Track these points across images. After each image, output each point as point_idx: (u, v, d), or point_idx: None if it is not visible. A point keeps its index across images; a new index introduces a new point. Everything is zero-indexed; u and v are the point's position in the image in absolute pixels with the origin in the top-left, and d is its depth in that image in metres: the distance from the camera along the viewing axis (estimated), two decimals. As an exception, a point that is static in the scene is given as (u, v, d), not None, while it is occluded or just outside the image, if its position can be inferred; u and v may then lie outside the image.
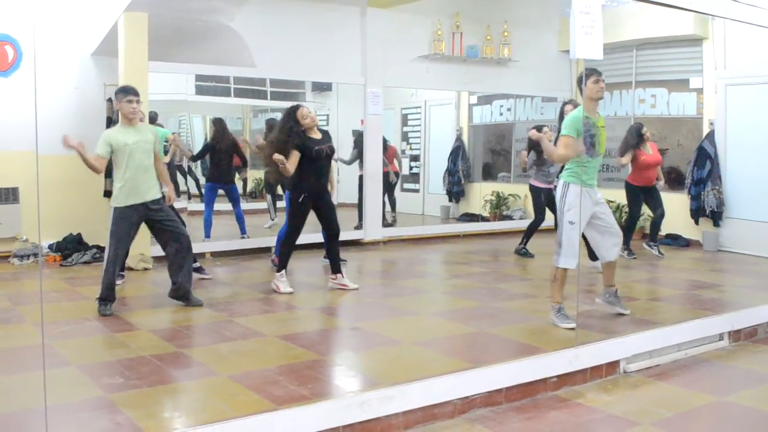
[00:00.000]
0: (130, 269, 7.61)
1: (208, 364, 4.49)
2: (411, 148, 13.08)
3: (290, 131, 6.49)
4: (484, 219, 12.06)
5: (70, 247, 8.37)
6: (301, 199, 6.57)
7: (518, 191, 12.07)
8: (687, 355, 5.10)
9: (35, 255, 8.09)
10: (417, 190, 13.27)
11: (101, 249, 8.36)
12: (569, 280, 5.44)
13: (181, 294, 6.03)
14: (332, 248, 6.87)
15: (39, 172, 4.44)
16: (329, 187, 6.96)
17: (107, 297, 5.78)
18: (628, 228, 8.79)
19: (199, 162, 11.13)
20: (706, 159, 9.60)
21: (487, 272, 8.05)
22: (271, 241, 9.09)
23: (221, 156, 8.80)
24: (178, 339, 5.11)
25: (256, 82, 11.05)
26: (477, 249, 9.91)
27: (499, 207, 12.09)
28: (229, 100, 11.42)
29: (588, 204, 5.36)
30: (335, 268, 6.88)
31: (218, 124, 9.09)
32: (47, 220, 8.18)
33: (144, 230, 6.10)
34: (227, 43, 8.89)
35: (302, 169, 6.56)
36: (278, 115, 12.29)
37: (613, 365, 4.69)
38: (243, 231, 9.11)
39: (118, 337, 5.10)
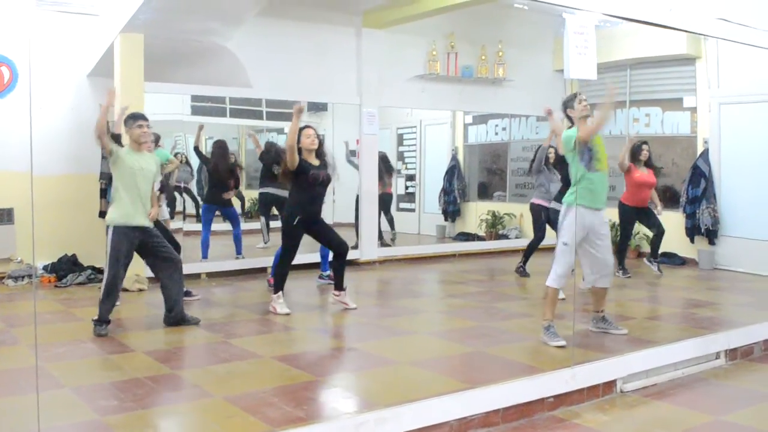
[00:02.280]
0: (125, 290, 7.57)
1: (204, 385, 4.46)
2: (407, 168, 13.11)
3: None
4: (479, 238, 12.06)
5: (65, 268, 8.34)
6: (295, 221, 6.55)
7: (514, 210, 12.08)
8: (684, 374, 5.09)
9: (30, 276, 8.06)
10: (413, 210, 13.28)
11: (96, 270, 8.35)
12: (569, 299, 5.44)
13: (177, 321, 6.03)
14: (338, 266, 6.86)
15: (34, 192, 4.44)
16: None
17: (106, 319, 5.76)
18: (622, 248, 8.80)
19: (195, 183, 11.15)
20: (700, 177, 9.64)
21: (483, 292, 8.04)
22: (266, 261, 9.09)
23: (220, 177, 8.83)
24: (173, 360, 5.09)
25: (252, 103, 11.07)
26: (473, 268, 9.90)
27: (495, 226, 12.09)
28: (225, 121, 11.44)
29: (586, 226, 5.40)
30: (339, 284, 6.87)
31: (219, 145, 9.18)
32: (42, 241, 8.16)
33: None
34: (223, 64, 8.92)
35: (298, 192, 6.59)
36: (275, 136, 12.35)
37: (609, 385, 4.68)
38: (239, 251, 9.11)
39: (113, 359, 5.08)
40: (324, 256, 8.18)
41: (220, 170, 8.85)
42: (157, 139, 8.01)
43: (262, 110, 11.50)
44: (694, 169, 9.71)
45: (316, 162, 6.63)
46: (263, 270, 8.91)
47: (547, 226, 8.50)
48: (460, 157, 12.73)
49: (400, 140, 13.47)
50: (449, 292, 8.49)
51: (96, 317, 5.77)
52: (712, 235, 9.59)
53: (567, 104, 5.68)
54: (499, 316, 6.62)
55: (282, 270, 6.70)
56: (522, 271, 8.83)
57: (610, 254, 5.62)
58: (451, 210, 12.57)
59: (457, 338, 5.79)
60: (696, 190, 9.65)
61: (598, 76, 4.73)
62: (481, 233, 12.16)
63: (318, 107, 11.70)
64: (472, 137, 12.85)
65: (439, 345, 5.72)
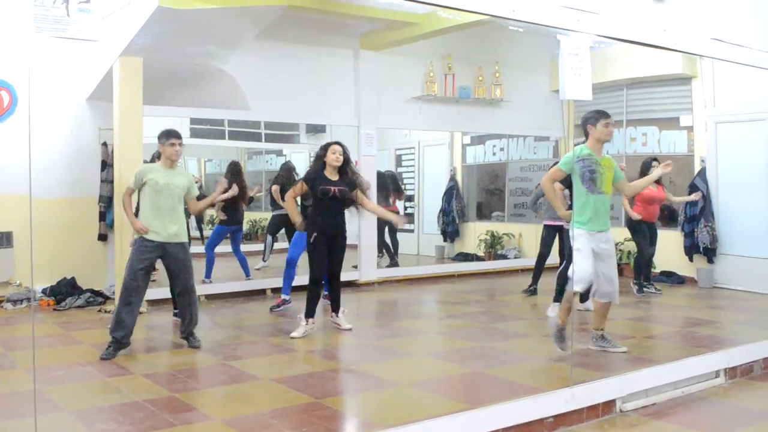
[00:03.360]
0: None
1: (202, 408, 4.45)
2: (405, 189, 13.15)
3: (317, 159, 6.70)
4: (479, 258, 12.07)
5: (64, 292, 8.33)
6: (312, 239, 6.56)
7: (513, 230, 12.10)
8: (683, 393, 5.07)
9: (28, 299, 8.05)
10: (412, 230, 13.30)
11: (95, 293, 8.34)
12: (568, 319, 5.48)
13: (185, 336, 6.16)
14: (331, 288, 6.90)
15: (33, 216, 4.45)
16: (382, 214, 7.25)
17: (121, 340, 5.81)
18: (646, 263, 8.88)
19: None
20: (698, 196, 9.66)
21: (482, 312, 8.03)
22: (267, 283, 9.10)
23: (233, 199, 8.87)
24: (171, 383, 5.08)
25: (250, 125, 11.14)
26: (472, 289, 9.90)
27: (494, 246, 12.11)
28: (224, 143, 11.50)
29: (592, 246, 5.52)
30: (333, 306, 6.90)
31: (233, 167, 9.36)
32: (41, 264, 8.16)
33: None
34: (221, 87, 8.97)
35: (313, 207, 6.71)
36: (273, 158, 12.38)
37: (609, 404, 4.67)
38: (247, 274, 9.32)
39: (111, 382, 5.06)
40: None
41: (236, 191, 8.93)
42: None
43: (260, 132, 11.56)
44: (691, 188, 9.72)
45: (334, 177, 6.61)
46: (262, 292, 8.91)
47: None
48: (459, 178, 12.78)
49: (399, 161, 13.53)
50: (448, 312, 8.48)
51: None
52: (710, 254, 9.60)
53: (589, 120, 5.66)
54: (499, 336, 6.61)
55: (311, 294, 6.63)
56: (533, 291, 8.96)
57: (614, 271, 5.67)
58: (450, 230, 12.59)
59: (457, 359, 5.78)
60: (694, 209, 9.67)
61: (594, 97, 4.76)
62: (480, 253, 12.18)
63: (316, 129, 11.78)
64: (470, 158, 12.90)
65: (438, 366, 5.71)
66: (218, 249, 9.35)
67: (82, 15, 3.40)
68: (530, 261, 11.44)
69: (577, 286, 5.49)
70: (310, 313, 6.61)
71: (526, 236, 11.92)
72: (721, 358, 5.46)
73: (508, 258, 11.83)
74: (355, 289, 9.53)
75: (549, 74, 11.45)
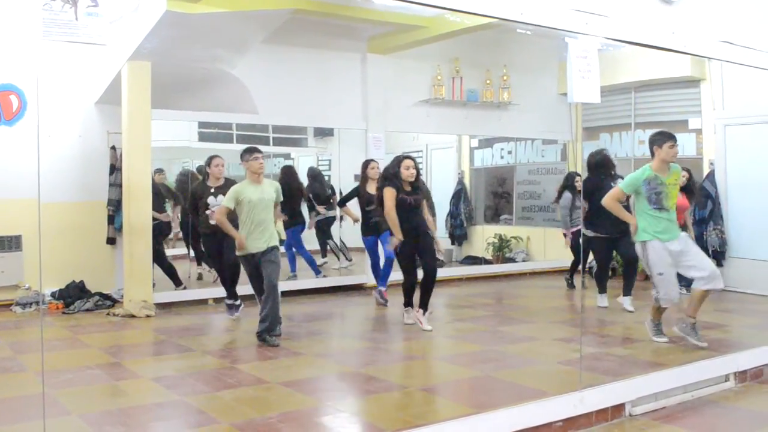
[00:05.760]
0: (132, 316, 7.59)
1: (210, 412, 4.45)
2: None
3: (391, 175, 7.03)
4: (487, 262, 12.03)
5: (73, 295, 8.35)
6: (398, 249, 7.00)
7: (521, 233, 12.08)
8: (693, 397, 5.05)
9: (37, 303, 8.07)
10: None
11: (104, 296, 8.36)
12: (575, 323, 5.44)
13: (268, 331, 6.38)
14: (423, 284, 7.09)
15: (42, 219, 4.47)
16: (430, 226, 7.39)
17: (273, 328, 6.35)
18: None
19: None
20: (707, 199, 9.62)
21: (490, 315, 8.02)
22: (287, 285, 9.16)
23: (293, 200, 9.26)
24: (179, 387, 5.08)
25: (258, 128, 11.12)
26: (480, 292, 9.88)
27: (502, 249, 12.08)
28: (232, 147, 11.48)
29: (666, 255, 5.91)
30: (421, 302, 7.10)
31: (287, 170, 9.79)
32: (49, 267, 8.18)
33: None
34: (229, 90, 8.99)
35: (399, 216, 6.98)
36: (281, 161, 12.39)
37: (618, 408, 4.65)
38: (317, 272, 9.69)
39: (120, 386, 5.07)
40: (375, 268, 8.69)
41: (292, 193, 9.20)
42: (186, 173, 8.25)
43: (268, 136, 11.56)
44: (700, 191, 9.69)
45: (407, 188, 7.02)
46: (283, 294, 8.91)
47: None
48: (467, 181, 12.75)
49: (406, 164, 13.48)
50: (457, 316, 8.46)
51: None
52: (719, 257, 9.54)
53: (656, 141, 6.02)
54: (507, 339, 6.60)
55: (406, 290, 7.19)
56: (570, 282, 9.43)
57: (704, 259, 6.05)
58: (458, 234, 12.57)
59: (465, 362, 5.77)
60: (703, 212, 9.63)
61: (603, 99, 4.75)
62: (488, 257, 12.14)
63: (324, 133, 11.75)
64: (478, 161, 12.88)
65: (446, 369, 5.70)
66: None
67: (91, 19, 3.42)
68: (538, 264, 11.49)
69: (665, 302, 6.01)
70: (409, 303, 7.21)
71: (534, 240, 11.89)
72: (730, 361, 5.43)
73: (516, 261, 11.80)
74: (362, 292, 9.53)
75: (557, 77, 11.42)
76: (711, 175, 9.69)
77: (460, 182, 12.68)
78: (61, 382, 5.11)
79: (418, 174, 7.17)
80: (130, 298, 7.88)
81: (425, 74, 10.48)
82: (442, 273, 11.21)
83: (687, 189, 8.62)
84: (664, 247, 5.89)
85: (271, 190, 6.57)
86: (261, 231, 6.41)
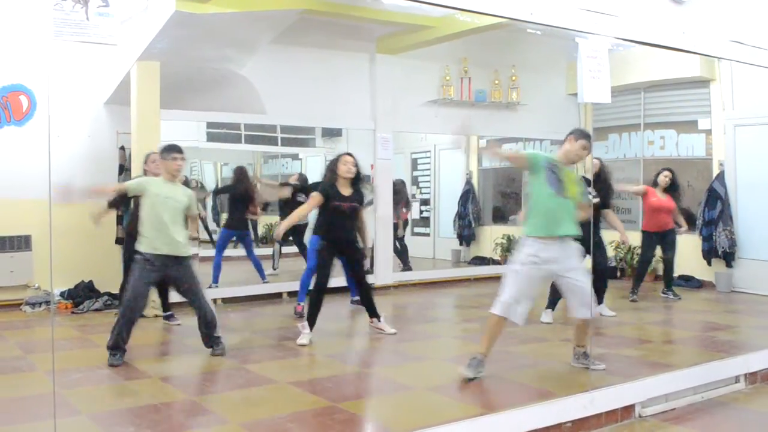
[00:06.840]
0: (142, 316, 7.58)
1: (219, 412, 4.45)
2: (421, 192, 13.12)
3: (329, 172, 6.63)
4: (495, 262, 12.00)
5: (82, 295, 8.38)
6: (320, 246, 6.58)
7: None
8: (703, 398, 5.03)
9: (47, 302, 8.10)
10: (427, 234, 13.27)
11: (113, 296, 8.38)
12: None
13: (208, 344, 6.04)
14: (362, 297, 6.93)
15: (52, 220, 4.48)
16: (360, 240, 6.88)
17: (117, 346, 5.73)
18: (639, 273, 8.80)
19: (210, 209, 11.27)
20: (716, 200, 9.58)
21: (499, 316, 7.98)
22: (280, 287, 9.11)
23: (238, 204, 8.94)
24: (188, 386, 5.09)
25: (266, 129, 11.14)
26: (488, 292, 9.77)
27: (510, 250, 12.04)
28: (240, 147, 11.50)
29: (549, 257, 5.10)
30: (370, 313, 6.92)
31: (239, 171, 9.41)
32: (59, 267, 8.19)
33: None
34: (238, 91, 9.00)
35: (322, 215, 6.64)
36: (289, 161, 12.42)
37: (628, 409, 4.64)
38: (263, 276, 9.24)
39: (129, 385, 5.08)
40: (351, 281, 8.23)
41: (240, 195, 8.97)
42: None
43: (276, 136, 11.57)
44: (709, 192, 9.66)
45: (347, 192, 6.58)
46: (278, 296, 8.93)
47: None
48: (475, 182, 12.74)
49: (414, 165, 13.49)
50: (464, 316, 8.45)
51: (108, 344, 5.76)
52: (729, 258, 9.51)
53: (574, 133, 5.26)
54: (515, 340, 6.57)
55: (312, 302, 6.50)
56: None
57: (585, 284, 5.11)
58: (466, 234, 12.55)
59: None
60: (712, 213, 9.60)
61: (612, 100, 4.73)
62: (496, 257, 12.12)
63: (332, 133, 11.76)
64: (486, 161, 12.85)
65: (455, 370, 5.68)
66: (233, 252, 9.37)
67: (102, 19, 3.42)
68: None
69: (501, 308, 5.43)
70: (311, 321, 6.42)
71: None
72: (741, 363, 5.41)
73: (525, 262, 11.74)
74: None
75: (566, 77, 11.39)
76: (721, 176, 9.65)
77: (468, 183, 12.66)
78: (71, 381, 5.13)
79: (359, 176, 6.66)
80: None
81: (433, 74, 10.47)
82: (450, 273, 11.30)
83: (671, 190, 8.63)
84: (542, 245, 5.11)
85: (181, 195, 5.99)
86: (171, 233, 5.79)
